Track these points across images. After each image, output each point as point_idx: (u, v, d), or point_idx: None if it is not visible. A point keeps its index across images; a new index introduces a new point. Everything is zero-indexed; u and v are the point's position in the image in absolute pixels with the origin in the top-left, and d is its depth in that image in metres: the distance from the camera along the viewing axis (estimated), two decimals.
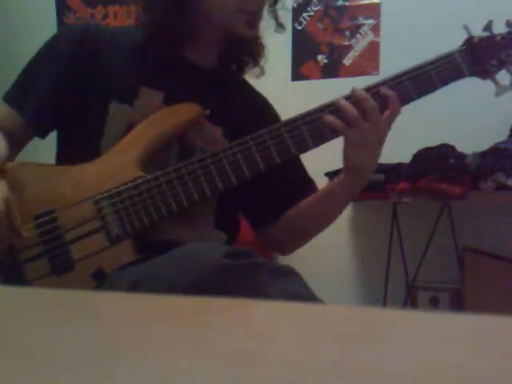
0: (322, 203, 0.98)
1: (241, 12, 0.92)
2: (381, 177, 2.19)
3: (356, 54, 2.60)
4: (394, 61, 2.50)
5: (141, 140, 0.91)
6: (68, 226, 0.88)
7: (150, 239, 0.90)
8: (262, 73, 1.04)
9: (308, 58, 2.66)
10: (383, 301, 2.42)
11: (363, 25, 2.58)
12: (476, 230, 2.36)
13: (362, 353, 0.25)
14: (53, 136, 1.03)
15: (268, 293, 0.67)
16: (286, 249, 1.09)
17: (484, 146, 2.16)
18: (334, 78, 2.62)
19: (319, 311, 0.35)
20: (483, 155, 2.13)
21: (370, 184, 2.35)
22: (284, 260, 1.07)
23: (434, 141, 2.23)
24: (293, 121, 0.90)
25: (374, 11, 2.57)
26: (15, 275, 0.87)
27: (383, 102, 0.88)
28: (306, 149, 0.91)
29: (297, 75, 2.67)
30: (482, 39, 0.95)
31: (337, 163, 2.42)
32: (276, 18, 1.02)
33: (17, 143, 1.00)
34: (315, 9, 2.64)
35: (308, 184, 1.06)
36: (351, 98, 0.89)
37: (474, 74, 0.95)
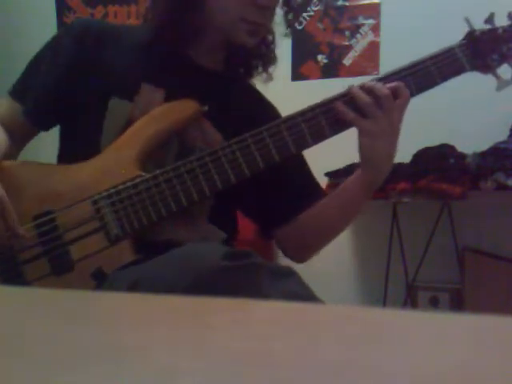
0: (339, 201, 0.97)
1: (242, 21, 0.91)
2: None
3: (356, 54, 2.60)
4: (394, 61, 2.50)
5: (139, 137, 0.91)
6: (67, 227, 0.87)
7: (150, 239, 0.89)
8: (270, 78, 1.03)
9: (308, 58, 2.66)
10: (383, 301, 2.42)
11: (363, 25, 2.59)
12: (476, 230, 2.36)
13: (362, 353, 0.25)
14: (54, 136, 1.03)
15: (268, 293, 0.67)
16: (302, 254, 1.05)
17: (484, 146, 2.16)
18: (334, 77, 2.62)
19: (319, 311, 0.35)
20: (483, 155, 2.13)
21: None
22: (285, 260, 1.07)
23: (434, 141, 2.23)
24: (292, 118, 0.89)
25: (374, 11, 2.57)
26: (15, 275, 0.87)
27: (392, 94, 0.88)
28: (305, 146, 0.91)
29: (297, 75, 2.67)
30: (483, 32, 0.94)
31: (337, 163, 2.42)
32: (287, 24, 1.01)
33: (19, 138, 1.00)
34: (315, 9, 2.64)
35: (316, 190, 1.04)
36: (361, 88, 0.88)
37: (474, 68, 0.94)
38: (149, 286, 0.71)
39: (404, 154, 2.22)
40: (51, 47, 0.99)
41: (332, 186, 2.18)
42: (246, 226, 1.08)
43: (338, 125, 0.90)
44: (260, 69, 1.01)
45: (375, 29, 2.57)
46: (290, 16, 1.00)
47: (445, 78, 0.92)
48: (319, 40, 2.64)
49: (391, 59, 2.51)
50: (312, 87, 2.62)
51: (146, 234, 0.89)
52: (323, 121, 0.89)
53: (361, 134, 0.88)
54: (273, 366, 0.23)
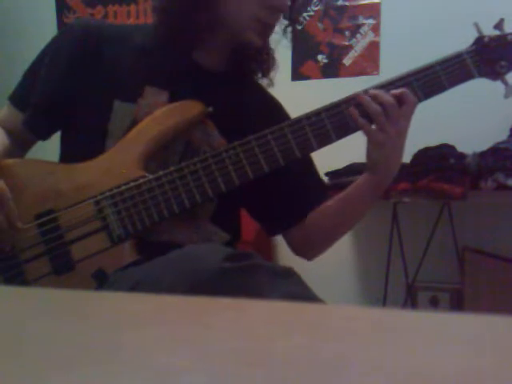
0: (345, 204, 0.97)
1: (256, 21, 0.91)
2: None
3: (356, 54, 2.60)
4: (394, 61, 2.51)
5: (142, 138, 0.91)
6: (69, 226, 0.87)
7: (152, 240, 0.89)
8: (271, 84, 1.03)
9: (308, 57, 2.66)
10: (383, 301, 2.42)
11: (363, 25, 2.59)
12: (476, 230, 2.36)
13: (362, 353, 0.25)
14: (57, 134, 1.02)
15: (268, 294, 0.67)
16: (311, 252, 1.06)
17: (484, 146, 2.16)
18: (334, 77, 2.62)
19: (319, 311, 0.35)
20: (483, 155, 2.13)
21: None
22: (284, 261, 1.07)
23: (433, 141, 2.23)
24: (297, 121, 0.90)
25: (374, 11, 2.57)
26: (16, 274, 0.87)
27: (397, 101, 0.88)
28: (309, 150, 0.91)
29: (297, 75, 2.67)
30: (492, 38, 0.94)
31: (337, 163, 2.42)
32: (290, 25, 1.01)
33: (23, 143, 1.00)
34: (315, 9, 2.64)
35: (322, 191, 1.05)
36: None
37: (483, 74, 0.93)
38: (150, 288, 0.71)
39: (404, 153, 2.23)
40: (51, 51, 0.98)
41: (332, 186, 2.18)
42: (246, 227, 1.08)
43: (343, 129, 0.90)
44: (260, 75, 1.01)
45: (375, 29, 2.57)
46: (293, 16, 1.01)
47: (453, 83, 0.92)
48: (319, 40, 2.64)
49: (391, 59, 2.53)
50: (312, 87, 2.62)
51: (148, 234, 0.89)
52: (328, 125, 0.89)
53: (369, 142, 0.89)
54: (273, 366, 0.23)
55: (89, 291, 0.78)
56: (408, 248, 2.40)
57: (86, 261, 0.86)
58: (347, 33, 2.61)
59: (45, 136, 1.01)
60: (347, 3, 2.61)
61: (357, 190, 0.96)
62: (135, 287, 0.74)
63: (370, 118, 0.87)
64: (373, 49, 2.57)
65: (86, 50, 0.94)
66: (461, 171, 2.12)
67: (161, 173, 0.88)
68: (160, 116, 0.91)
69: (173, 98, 0.93)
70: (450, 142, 2.22)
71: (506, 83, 0.95)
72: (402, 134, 0.88)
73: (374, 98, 0.88)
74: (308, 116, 0.89)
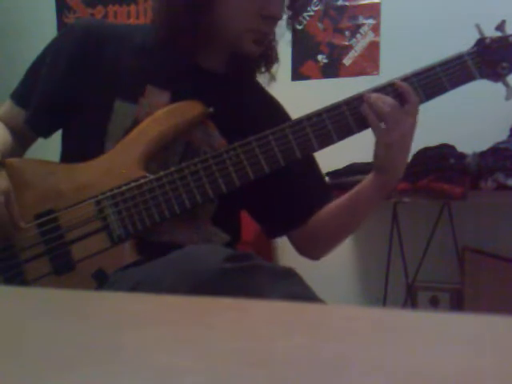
0: (352, 204, 0.97)
1: (249, 31, 0.91)
2: None
3: (356, 54, 2.60)
4: (394, 61, 2.51)
5: (143, 138, 0.91)
6: (69, 226, 0.87)
7: (152, 240, 0.89)
8: (273, 79, 1.02)
9: (308, 57, 2.66)
10: (383, 301, 2.42)
11: (363, 25, 2.59)
12: (476, 230, 2.36)
13: (362, 353, 0.25)
14: (57, 134, 1.03)
15: (268, 295, 0.67)
16: (315, 253, 1.06)
17: (484, 146, 2.16)
18: (334, 77, 2.62)
19: (319, 311, 0.35)
20: (483, 155, 2.13)
21: None
22: (284, 261, 1.07)
23: (433, 141, 2.23)
24: (298, 122, 0.89)
25: (374, 11, 2.57)
26: (16, 274, 0.87)
27: (400, 99, 0.88)
28: (310, 151, 0.91)
29: (297, 75, 2.67)
30: (493, 40, 0.94)
31: (337, 163, 2.42)
32: (292, 27, 1.00)
33: (23, 140, 1.00)
34: (315, 9, 2.64)
35: (325, 193, 1.04)
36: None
37: (484, 76, 0.93)
38: (150, 288, 0.71)
39: None
40: (52, 50, 0.98)
41: (332, 186, 2.18)
42: (246, 227, 1.08)
43: (345, 130, 0.90)
44: (263, 69, 1.01)
45: (375, 29, 2.57)
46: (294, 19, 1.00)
47: (454, 85, 0.92)
48: (319, 40, 2.64)
49: (391, 59, 2.53)
50: (312, 87, 2.62)
51: (148, 235, 0.89)
52: (330, 126, 0.89)
53: (378, 142, 0.89)
54: (273, 366, 0.23)
55: (89, 291, 0.78)
56: (408, 248, 2.40)
57: (86, 261, 0.86)
58: (347, 33, 2.61)
59: (46, 134, 1.01)
60: (347, 3, 2.61)
61: (363, 191, 0.95)
62: (135, 287, 0.74)
63: (381, 118, 0.87)
64: (373, 49, 2.57)
65: (87, 50, 0.94)
66: (461, 171, 2.12)
67: (161, 173, 0.88)
68: (160, 116, 0.91)
69: (174, 98, 0.93)
70: (450, 142, 2.22)
71: (507, 85, 0.95)
72: (408, 134, 0.88)
73: (379, 98, 0.88)
74: (309, 117, 0.89)
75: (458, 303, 2.25)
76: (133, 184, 0.88)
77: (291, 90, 2.58)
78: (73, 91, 0.94)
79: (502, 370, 0.22)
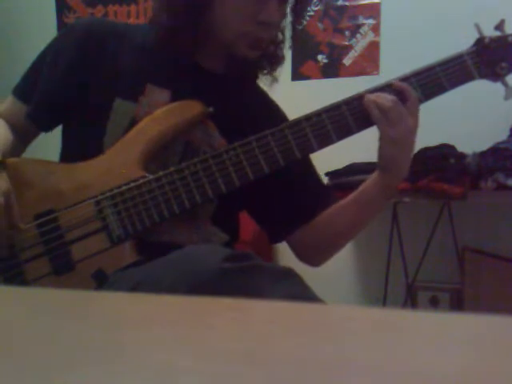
0: (357, 205, 0.96)
1: (244, 36, 0.90)
2: None
3: (356, 54, 2.60)
4: (394, 61, 2.51)
5: (142, 138, 0.91)
6: (69, 226, 0.87)
7: (151, 240, 0.89)
8: (275, 80, 1.01)
9: (308, 57, 2.66)
10: (383, 301, 2.42)
11: (363, 25, 2.58)
12: (476, 230, 2.36)
13: (362, 353, 0.25)
14: (58, 134, 1.03)
15: (268, 295, 0.66)
16: (317, 259, 1.05)
17: (484, 146, 2.16)
18: (334, 77, 2.62)
19: (319, 311, 0.35)
20: (483, 155, 2.13)
21: None
22: (284, 261, 1.07)
23: (433, 141, 2.23)
24: (298, 122, 0.89)
25: (374, 11, 2.57)
26: (16, 274, 0.87)
27: (400, 98, 0.88)
28: (309, 151, 0.91)
29: (297, 75, 2.67)
30: (493, 39, 0.94)
31: (337, 163, 2.42)
32: (294, 31, 1.00)
33: (24, 136, 1.01)
34: (315, 9, 2.64)
35: (325, 196, 1.03)
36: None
37: (483, 76, 0.93)
38: (150, 288, 0.71)
39: None
40: (54, 49, 0.99)
41: (332, 186, 2.18)
42: (245, 227, 1.08)
43: (344, 130, 0.90)
44: (267, 69, 0.99)
45: (375, 29, 2.57)
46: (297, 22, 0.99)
47: (453, 85, 0.92)
48: (319, 40, 2.64)
49: (391, 59, 2.53)
50: (312, 87, 2.62)
51: (148, 235, 0.89)
52: (329, 126, 0.89)
53: (382, 138, 0.88)
54: (273, 366, 0.23)
55: (88, 291, 0.78)
56: (408, 248, 2.40)
57: (85, 261, 0.86)
58: (347, 33, 2.61)
59: (47, 128, 1.01)
60: (347, 3, 2.61)
61: (367, 190, 0.95)
62: (135, 288, 0.74)
63: (386, 116, 0.87)
64: (373, 49, 2.57)
65: (88, 49, 0.94)
66: (461, 171, 2.12)
67: (161, 173, 0.88)
68: (160, 116, 0.91)
69: (174, 97, 0.93)
70: (450, 142, 2.22)
71: (506, 85, 0.94)
72: (411, 132, 0.88)
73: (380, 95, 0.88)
74: (308, 117, 0.89)
75: (458, 303, 2.25)
76: (132, 184, 0.88)
77: (291, 89, 2.58)
78: (73, 90, 0.95)
79: (502, 370, 0.22)
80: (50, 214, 0.88)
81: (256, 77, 1.01)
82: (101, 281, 0.85)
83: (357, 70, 2.58)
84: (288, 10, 0.95)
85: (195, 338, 0.27)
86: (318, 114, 0.89)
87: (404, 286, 2.39)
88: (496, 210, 2.35)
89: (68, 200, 0.88)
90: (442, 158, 2.16)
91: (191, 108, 0.92)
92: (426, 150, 2.22)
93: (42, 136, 1.04)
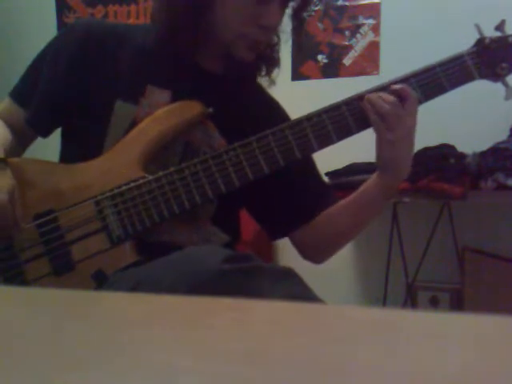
0: (358, 205, 0.96)
1: (243, 37, 0.90)
2: None
3: (356, 54, 2.60)
4: (394, 61, 2.51)
5: (142, 139, 0.91)
6: (69, 227, 0.87)
7: (152, 240, 0.89)
8: (273, 83, 1.02)
9: (308, 57, 2.66)
10: (383, 301, 2.42)
11: (363, 25, 2.58)
12: (476, 230, 2.36)
13: (362, 353, 0.25)
14: (57, 135, 1.03)
15: (268, 296, 0.66)
16: (319, 257, 1.05)
17: (484, 145, 2.16)
18: (334, 77, 2.62)
19: (319, 311, 0.35)
20: (483, 155, 2.13)
21: None
22: (284, 261, 1.07)
23: (433, 141, 2.23)
24: (298, 123, 0.89)
25: (374, 11, 2.57)
26: (16, 274, 0.87)
27: (399, 99, 0.87)
28: (310, 151, 0.91)
29: (297, 75, 2.67)
30: (493, 40, 0.94)
31: (337, 163, 2.42)
32: (297, 36, 1.00)
33: (23, 139, 1.00)
34: (315, 9, 2.64)
35: (327, 195, 1.03)
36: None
37: (484, 76, 0.93)
38: (149, 289, 0.71)
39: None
40: (52, 51, 0.98)
41: (332, 186, 2.17)
42: (246, 227, 1.08)
43: (344, 131, 0.90)
44: (263, 71, 1.00)
45: (375, 29, 2.57)
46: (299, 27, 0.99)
47: (453, 85, 0.91)
48: (319, 40, 2.64)
49: (391, 59, 2.53)
50: (312, 87, 2.62)
51: (148, 235, 0.89)
52: (329, 126, 0.89)
53: (379, 141, 0.88)
54: (273, 366, 0.23)
55: (88, 291, 0.78)
56: (408, 248, 2.40)
57: (85, 261, 0.86)
58: (347, 33, 2.61)
59: (46, 133, 1.01)
60: (347, 3, 2.61)
61: (367, 191, 0.95)
62: (135, 288, 0.74)
63: (382, 118, 0.87)
64: (373, 49, 2.57)
65: (87, 51, 0.94)
66: (461, 171, 2.12)
67: (161, 173, 0.88)
68: (160, 116, 0.91)
69: (174, 98, 0.93)
70: (450, 142, 2.22)
71: (506, 85, 0.95)
72: (410, 133, 0.88)
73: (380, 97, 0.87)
74: (309, 117, 0.89)
75: (458, 303, 2.25)
76: (132, 184, 0.88)
77: (291, 90, 2.58)
78: (73, 92, 0.94)
79: (501, 370, 0.22)
80: (50, 214, 0.88)
81: (254, 78, 1.01)
82: (100, 281, 0.85)
83: (357, 70, 2.58)
84: (289, 13, 0.95)
85: (195, 338, 0.27)
86: (318, 114, 0.89)
87: (404, 286, 2.39)
88: (496, 210, 2.35)
89: (68, 200, 0.88)
90: (442, 158, 2.16)
91: (191, 108, 0.92)
92: (425, 150, 2.22)
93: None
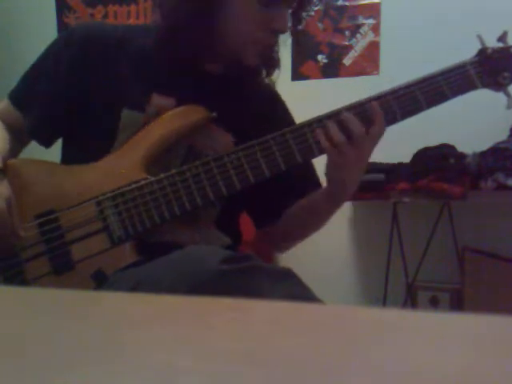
0: (310, 208, 0.99)
1: (255, 43, 0.91)
2: (381, 177, 2.19)
3: (356, 54, 2.60)
4: (393, 61, 2.52)
5: (145, 142, 0.91)
6: (70, 226, 0.87)
7: (152, 241, 0.89)
8: (273, 83, 1.03)
9: (308, 57, 2.66)
10: (383, 301, 2.42)
11: (363, 25, 2.59)
12: (476, 230, 2.36)
13: (362, 353, 0.25)
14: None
15: (267, 296, 0.66)
16: (282, 246, 1.11)
17: (484, 145, 2.16)
18: (334, 77, 2.62)
19: (319, 311, 0.35)
20: (483, 155, 2.13)
21: (370, 184, 2.34)
22: (284, 261, 1.07)
23: (433, 141, 2.23)
24: (299, 128, 0.90)
25: (374, 11, 2.57)
26: (16, 274, 0.87)
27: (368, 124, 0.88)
28: (311, 156, 0.91)
29: (297, 75, 2.67)
30: (495, 50, 0.95)
31: None
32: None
33: (21, 137, 1.00)
34: (315, 9, 2.64)
35: (311, 181, 1.05)
36: (337, 121, 0.88)
37: (486, 85, 0.95)
38: (149, 289, 0.71)
39: (404, 153, 2.23)
40: (52, 56, 0.97)
41: None
42: (246, 227, 1.08)
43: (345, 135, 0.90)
44: (264, 74, 0.99)
45: (375, 29, 2.57)
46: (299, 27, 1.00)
47: (455, 93, 0.93)
48: (319, 40, 2.64)
49: (391, 59, 2.53)
50: (312, 87, 2.62)
51: (149, 236, 0.89)
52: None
53: (328, 162, 0.90)
54: (273, 366, 0.23)
55: (88, 291, 0.78)
56: (408, 248, 2.40)
57: (85, 261, 0.86)
58: (347, 33, 2.61)
59: (49, 144, 1.01)
60: (347, 3, 2.61)
61: (319, 197, 0.98)
62: (135, 288, 0.74)
63: (333, 142, 0.87)
64: (373, 49, 2.57)
65: (87, 54, 0.93)
66: (461, 171, 2.12)
67: (162, 175, 0.88)
68: (163, 120, 0.92)
69: (180, 104, 0.93)
70: (450, 142, 2.23)
71: (508, 94, 0.96)
72: (362, 159, 0.89)
73: (345, 123, 0.87)
74: (310, 123, 0.90)
75: (458, 303, 2.25)
76: (133, 185, 0.88)
77: (291, 89, 2.57)
78: (75, 96, 0.93)
79: (502, 370, 0.22)
80: (50, 213, 0.88)
81: (256, 79, 1.01)
82: (100, 281, 0.85)
83: (357, 70, 2.58)
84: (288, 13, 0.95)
85: (195, 337, 0.27)
86: (318, 120, 0.90)
87: (404, 286, 2.39)
88: (496, 210, 2.35)
89: (69, 200, 0.88)
90: (442, 158, 2.16)
91: (194, 113, 0.92)
92: (425, 150, 2.22)
93: None
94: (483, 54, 0.95)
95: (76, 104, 0.94)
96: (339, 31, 2.62)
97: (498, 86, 0.96)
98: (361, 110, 0.89)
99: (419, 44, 2.43)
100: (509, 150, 2.10)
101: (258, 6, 0.88)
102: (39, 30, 2.95)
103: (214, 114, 0.92)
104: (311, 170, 1.06)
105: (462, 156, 2.17)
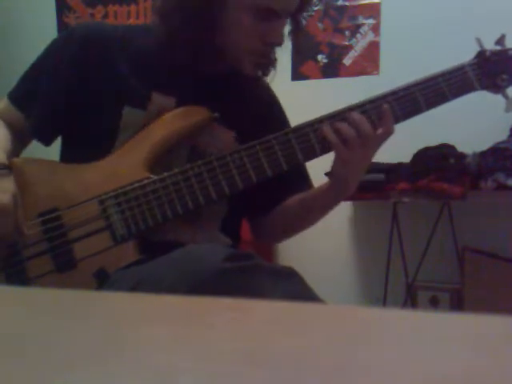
0: (307, 204, 1.00)
1: (252, 54, 0.91)
2: (381, 177, 2.19)
3: (356, 54, 2.60)
4: (393, 61, 2.52)
5: (147, 142, 0.91)
6: (73, 225, 0.88)
7: (154, 239, 0.90)
8: (269, 83, 1.03)
9: (308, 57, 2.66)
10: (383, 301, 2.42)
11: (363, 25, 2.59)
12: (476, 230, 2.36)
13: (362, 353, 0.25)
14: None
15: (269, 295, 0.67)
16: (276, 238, 1.13)
17: (484, 145, 2.16)
18: (334, 77, 2.62)
19: (319, 311, 0.35)
20: (483, 155, 2.13)
21: (370, 184, 2.34)
22: (285, 260, 1.07)
23: (433, 141, 2.23)
24: (301, 128, 0.90)
25: (374, 11, 2.57)
26: (18, 271, 0.87)
27: (380, 116, 0.89)
28: (312, 156, 0.92)
29: (297, 75, 2.67)
30: (494, 53, 0.96)
31: None
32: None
33: (23, 136, 1.00)
34: (315, 9, 2.64)
35: (303, 179, 1.06)
36: (347, 119, 0.89)
37: (484, 87, 0.96)
38: (150, 288, 0.72)
39: (404, 154, 2.23)
40: (52, 56, 0.97)
41: None
42: (247, 226, 1.08)
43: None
44: (260, 73, 1.00)
45: (375, 29, 2.57)
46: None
47: (455, 95, 0.94)
48: (319, 40, 2.64)
49: (391, 59, 2.53)
50: (312, 87, 2.62)
51: (151, 234, 0.89)
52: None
53: (336, 158, 0.90)
54: (273, 366, 0.23)
55: (89, 291, 0.78)
56: (408, 248, 2.40)
57: (88, 259, 0.87)
58: (347, 33, 2.61)
59: (50, 142, 1.01)
60: (347, 3, 2.61)
61: (318, 195, 0.99)
62: (136, 287, 0.74)
63: (343, 139, 0.88)
64: (373, 49, 2.57)
65: (88, 54, 0.93)
66: (461, 171, 2.13)
67: (165, 174, 0.88)
68: (165, 121, 0.92)
69: (180, 104, 0.93)
70: (450, 142, 2.23)
71: (506, 97, 0.97)
72: (367, 158, 0.90)
73: (355, 122, 0.88)
74: (311, 123, 0.90)
75: (458, 303, 2.25)
76: (136, 184, 0.88)
77: (291, 89, 2.58)
78: (75, 95, 0.94)
79: (502, 370, 0.22)
80: (53, 212, 0.88)
81: (255, 79, 1.01)
82: (102, 279, 0.85)
83: (357, 70, 2.59)
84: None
85: (195, 337, 0.27)
86: (320, 120, 0.90)
87: (404, 286, 2.39)
88: (496, 210, 2.35)
89: (72, 199, 0.88)
90: (442, 158, 2.16)
91: (196, 113, 0.93)
92: (426, 150, 2.22)
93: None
94: (482, 57, 0.96)
95: (76, 103, 0.94)
96: (339, 31, 2.62)
97: (497, 88, 0.97)
98: (363, 110, 0.90)
99: (419, 44, 2.43)
100: (509, 150, 2.10)
101: (252, 20, 0.88)
102: (39, 30, 2.96)
103: (217, 115, 0.93)
104: (302, 169, 1.07)
105: (462, 156, 2.17)
